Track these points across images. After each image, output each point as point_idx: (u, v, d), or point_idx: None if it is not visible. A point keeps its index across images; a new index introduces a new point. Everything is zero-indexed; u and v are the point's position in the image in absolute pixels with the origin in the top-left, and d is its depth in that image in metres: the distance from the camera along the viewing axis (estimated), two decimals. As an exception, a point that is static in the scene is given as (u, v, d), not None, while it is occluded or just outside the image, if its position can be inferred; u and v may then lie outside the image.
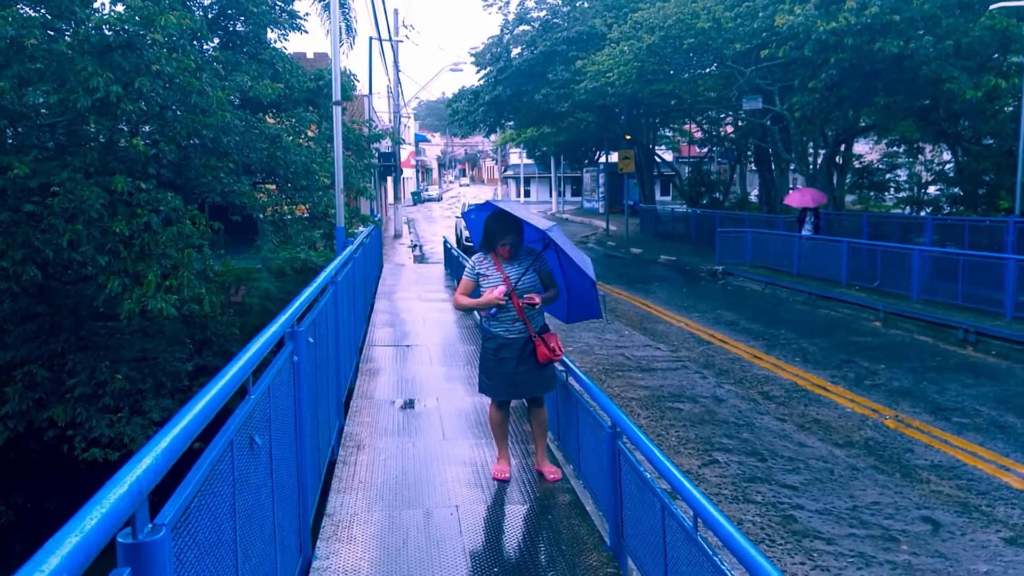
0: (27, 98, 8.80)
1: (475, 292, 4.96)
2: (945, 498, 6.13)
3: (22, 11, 9.31)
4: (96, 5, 10.11)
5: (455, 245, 13.33)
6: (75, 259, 8.62)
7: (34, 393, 9.23)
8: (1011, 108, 18.71)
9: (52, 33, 9.25)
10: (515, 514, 4.66)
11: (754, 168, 35.58)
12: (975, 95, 16.65)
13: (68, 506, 9.70)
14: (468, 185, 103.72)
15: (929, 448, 7.24)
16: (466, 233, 5.40)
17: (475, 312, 5.15)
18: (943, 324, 12.36)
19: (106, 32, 8.77)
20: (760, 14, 18.85)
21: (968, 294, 12.96)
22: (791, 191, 20.88)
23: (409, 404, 7.21)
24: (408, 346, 10.02)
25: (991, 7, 16.05)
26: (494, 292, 4.77)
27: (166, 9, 9.26)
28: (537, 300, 4.77)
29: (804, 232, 18.83)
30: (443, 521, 4.58)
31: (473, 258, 5.04)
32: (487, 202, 5.11)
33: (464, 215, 5.60)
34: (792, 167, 27.74)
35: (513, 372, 4.88)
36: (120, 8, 9.88)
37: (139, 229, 8.66)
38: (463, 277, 5.05)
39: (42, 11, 9.74)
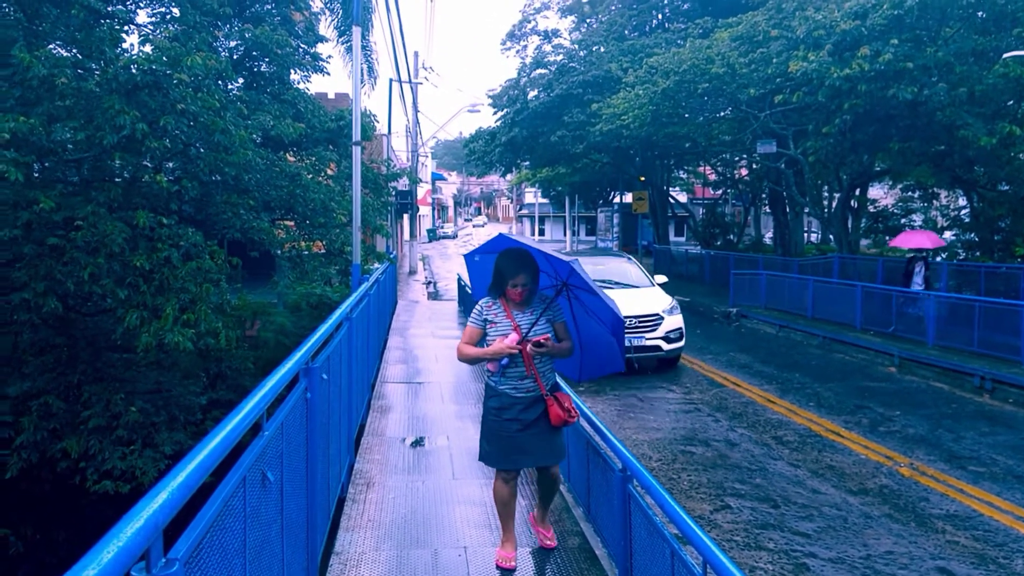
0: (55, 134, 9.04)
1: (481, 341, 4.37)
2: (961, 549, 6.03)
3: (54, 51, 9.62)
4: (125, 46, 10.43)
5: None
6: (95, 292, 8.77)
7: (49, 424, 9.31)
8: (1026, 155, 18.74)
9: (82, 72, 9.54)
10: (523, 556, 4.64)
11: (768, 211, 35.67)
12: (989, 142, 16.69)
13: (77, 538, 9.69)
14: (483, 225, 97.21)
15: (945, 497, 7.13)
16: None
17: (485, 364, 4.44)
18: (959, 371, 12.23)
19: (134, 72, 9.03)
20: (774, 60, 19.09)
21: (984, 340, 12.84)
22: (903, 232, 17.05)
23: (419, 442, 7.21)
24: (420, 383, 10.04)
25: (1005, 55, 16.19)
26: (505, 341, 4.18)
27: (193, 50, 9.53)
28: (546, 338, 4.19)
29: (915, 285, 15.65)
30: (451, 562, 4.56)
31: (480, 302, 4.43)
32: (499, 235, 4.54)
33: (467, 258, 4.94)
34: (806, 210, 27.80)
35: (519, 436, 4.24)
36: (148, 49, 10.20)
37: (159, 263, 8.81)
38: (468, 324, 4.42)
39: (73, 51, 10.06)
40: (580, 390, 10.69)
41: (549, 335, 4.25)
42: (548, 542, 4.73)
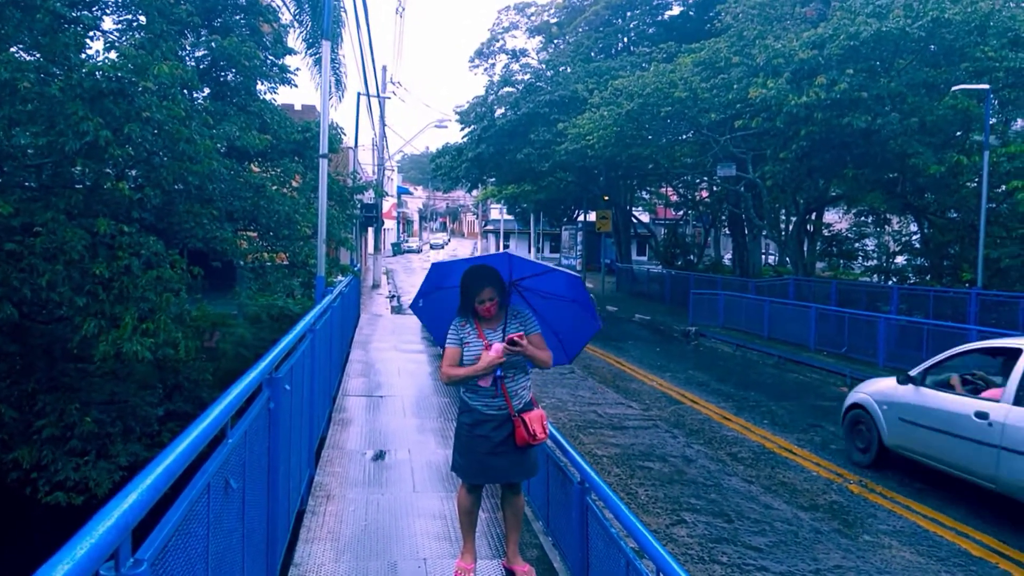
0: (15, 139, 8.91)
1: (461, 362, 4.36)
2: (906, 563, 6.24)
3: (17, 55, 9.49)
4: (90, 52, 10.33)
5: None
6: (52, 299, 8.62)
7: (0, 434, 9.09)
8: (973, 184, 19.48)
9: (45, 77, 9.43)
10: (483, 567, 4.69)
11: (728, 232, 36.36)
12: (939, 170, 17.35)
13: (22, 551, 9.41)
14: (442, 245, 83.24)
15: (891, 513, 7.37)
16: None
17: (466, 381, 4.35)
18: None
19: (99, 78, 8.94)
20: (735, 86, 19.60)
21: (932, 363, 13.23)
22: None
23: (380, 455, 7.22)
24: (381, 396, 10.04)
25: (954, 88, 16.88)
26: (490, 353, 4.14)
27: (159, 59, 9.49)
28: (520, 336, 4.13)
29: None
30: (410, 574, 4.60)
31: (453, 323, 4.36)
32: (433, 265, 4.49)
33: (412, 307, 4.77)
34: (764, 233, 28.42)
35: (488, 453, 4.25)
36: (114, 55, 10.11)
37: (119, 272, 8.69)
38: (447, 345, 4.33)
39: (36, 55, 9.93)
40: (543, 405, 10.79)
41: (523, 333, 4.21)
42: None
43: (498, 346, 4.13)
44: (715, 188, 32.80)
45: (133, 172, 10.38)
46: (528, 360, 4.28)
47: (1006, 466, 6.92)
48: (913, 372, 8.49)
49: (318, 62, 14.73)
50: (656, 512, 7.22)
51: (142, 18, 11.75)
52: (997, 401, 7.20)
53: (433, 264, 4.50)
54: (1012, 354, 7.44)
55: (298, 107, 24.80)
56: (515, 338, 4.11)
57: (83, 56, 9.73)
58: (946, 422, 7.68)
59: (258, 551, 3.73)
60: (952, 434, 7.58)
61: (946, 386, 8.05)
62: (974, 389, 7.83)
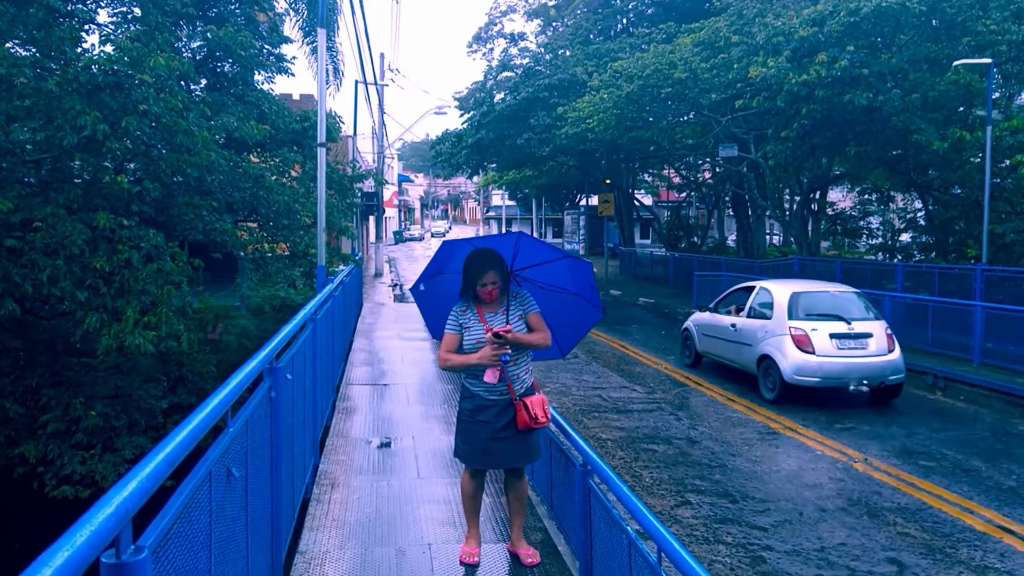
0: (13, 135, 8.90)
1: (461, 347, 4.39)
2: (910, 540, 6.25)
3: (13, 50, 9.46)
4: (85, 45, 10.29)
5: None
6: (54, 294, 8.64)
7: (5, 429, 9.14)
8: (977, 159, 19.37)
9: (41, 71, 9.40)
10: (487, 552, 4.71)
11: (731, 213, 36.27)
12: (941, 146, 17.23)
13: (32, 546, 9.50)
14: (443, 232, 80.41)
15: (896, 491, 7.38)
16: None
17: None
18: (913, 369, 12.55)
19: (95, 72, 8.92)
20: (735, 66, 19.46)
21: (937, 339, 13.23)
22: None
23: (385, 443, 7.25)
24: (385, 385, 10.06)
25: (955, 63, 16.73)
26: (488, 350, 4.17)
27: (155, 51, 9.45)
28: (506, 330, 4.14)
29: None
30: (416, 559, 4.61)
31: (454, 308, 4.38)
32: (444, 243, 4.48)
33: (413, 291, 4.81)
34: (768, 213, 28.33)
35: (490, 438, 4.28)
36: (109, 49, 10.09)
37: (120, 265, 8.70)
38: (446, 331, 4.37)
39: (32, 50, 9.91)
40: (547, 390, 10.80)
41: (510, 326, 4.22)
42: (531, 559, 4.53)
43: (491, 347, 4.16)
44: (717, 169, 32.68)
45: (132, 165, 10.37)
46: (522, 346, 4.25)
47: (742, 353, 11.65)
48: (711, 304, 13.18)
49: (315, 51, 14.66)
50: (661, 494, 7.24)
51: (137, 10, 11.71)
52: (741, 316, 11.83)
53: (444, 242, 4.51)
54: (751, 289, 11.99)
55: (296, 97, 24.76)
56: (500, 331, 4.13)
57: (79, 50, 9.70)
58: (721, 332, 12.35)
59: (263, 538, 3.75)
60: (723, 339, 12.28)
61: (728, 312, 12.33)
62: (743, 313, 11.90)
